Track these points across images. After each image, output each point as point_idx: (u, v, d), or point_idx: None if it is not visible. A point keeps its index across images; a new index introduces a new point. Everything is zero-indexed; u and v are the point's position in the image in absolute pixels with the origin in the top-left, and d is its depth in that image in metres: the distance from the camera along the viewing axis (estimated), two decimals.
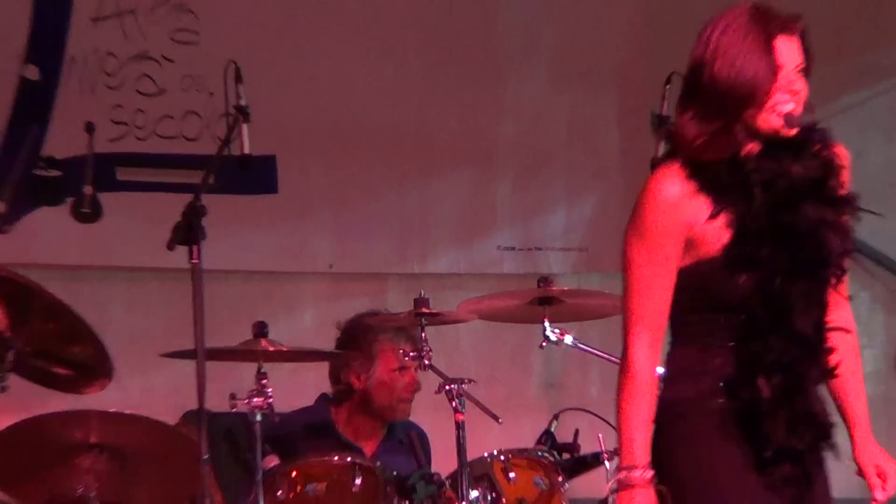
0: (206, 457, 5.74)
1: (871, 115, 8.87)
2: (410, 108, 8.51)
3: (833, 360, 4.42)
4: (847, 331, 4.50)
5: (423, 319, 6.51)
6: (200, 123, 8.19)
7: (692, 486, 4.40)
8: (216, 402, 5.96)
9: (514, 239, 8.61)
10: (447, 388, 6.38)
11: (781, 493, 4.34)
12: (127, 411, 6.33)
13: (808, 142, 4.43)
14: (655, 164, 5.09)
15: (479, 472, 6.39)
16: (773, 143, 4.38)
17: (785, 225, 4.38)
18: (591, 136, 8.77)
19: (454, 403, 6.37)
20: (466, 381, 6.44)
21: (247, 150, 5.84)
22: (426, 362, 6.51)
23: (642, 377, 4.31)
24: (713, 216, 4.33)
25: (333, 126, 8.35)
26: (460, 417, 6.39)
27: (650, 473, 4.29)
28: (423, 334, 6.53)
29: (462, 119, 8.53)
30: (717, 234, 4.35)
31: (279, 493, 6.35)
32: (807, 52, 4.35)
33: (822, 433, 4.40)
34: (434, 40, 8.54)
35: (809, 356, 4.40)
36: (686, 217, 4.34)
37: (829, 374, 4.43)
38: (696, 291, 4.42)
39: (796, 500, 4.38)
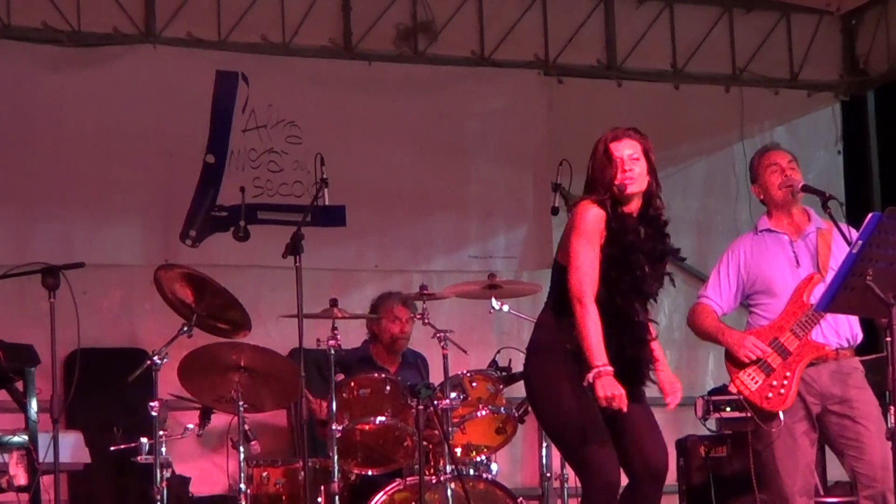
0: (302, 374, 7.03)
1: (674, 182, 10.11)
2: (417, 176, 9.97)
3: (645, 335, 5.51)
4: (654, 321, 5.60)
5: (424, 297, 7.95)
6: (302, 188, 9.66)
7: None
8: (309, 343, 7.22)
9: (477, 252, 10.02)
10: (438, 335, 7.76)
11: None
12: (260, 346, 7.55)
13: (652, 210, 5.51)
14: (556, 211, 7.19)
15: (455, 382, 7.56)
16: (642, 212, 5.46)
17: (629, 262, 5.46)
18: (518, 193, 10.07)
19: (441, 344, 7.73)
20: (449, 331, 7.77)
21: (326, 203, 7.36)
22: (426, 320, 7.77)
23: (593, 312, 5.34)
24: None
25: (377, 187, 9.82)
26: (445, 351, 7.71)
27: (610, 366, 5.27)
28: (425, 305, 7.83)
29: (446, 183, 10.03)
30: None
31: (344, 394, 7.50)
32: (644, 143, 5.39)
33: (638, 366, 5.52)
34: (431, 137, 10.06)
35: (630, 333, 5.50)
36: (600, 227, 5.40)
37: (645, 343, 5.51)
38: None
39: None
